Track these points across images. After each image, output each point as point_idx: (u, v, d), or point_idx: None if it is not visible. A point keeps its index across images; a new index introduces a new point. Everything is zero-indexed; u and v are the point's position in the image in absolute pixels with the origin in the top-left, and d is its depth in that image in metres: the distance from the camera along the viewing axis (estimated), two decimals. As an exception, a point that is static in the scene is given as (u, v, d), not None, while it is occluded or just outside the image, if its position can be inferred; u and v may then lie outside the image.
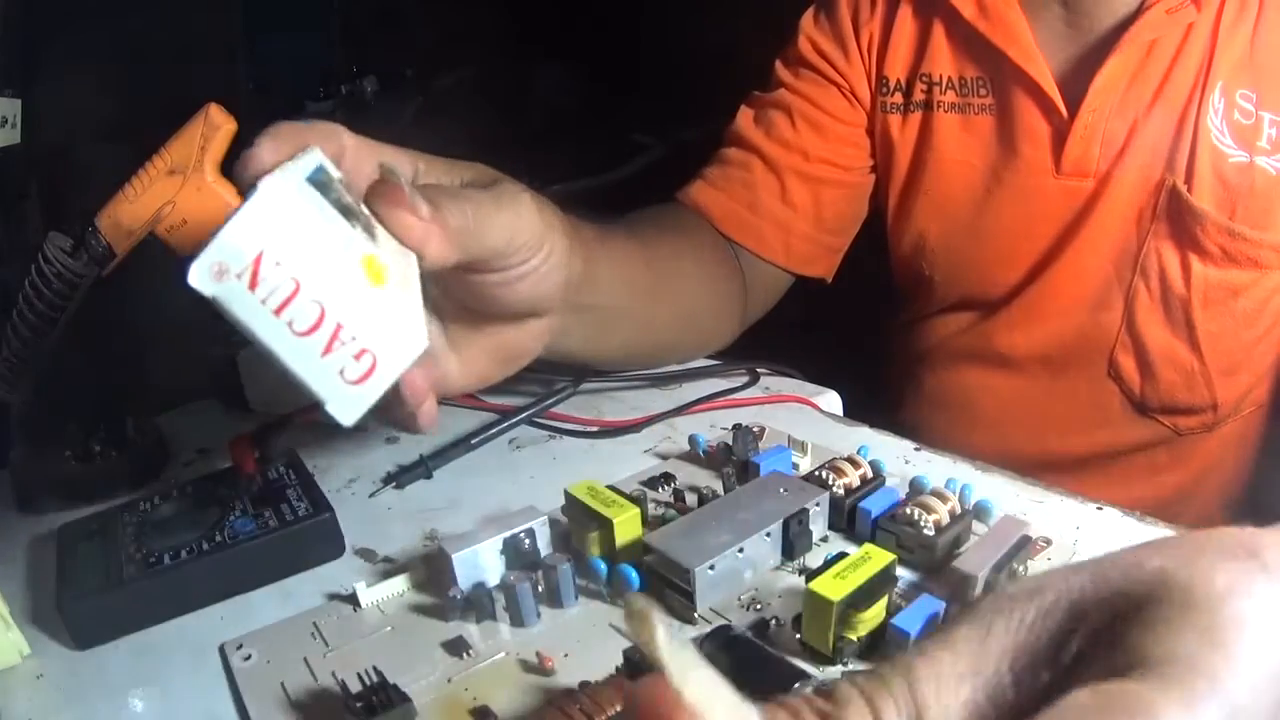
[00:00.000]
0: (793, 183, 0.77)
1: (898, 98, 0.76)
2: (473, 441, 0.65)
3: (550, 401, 0.68)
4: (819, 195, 0.78)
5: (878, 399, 0.88)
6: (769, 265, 0.79)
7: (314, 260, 0.25)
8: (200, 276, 0.25)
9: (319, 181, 0.32)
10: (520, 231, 0.43)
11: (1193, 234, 0.65)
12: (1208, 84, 0.63)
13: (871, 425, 0.64)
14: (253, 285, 0.25)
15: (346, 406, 0.27)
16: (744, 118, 0.80)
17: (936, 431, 0.82)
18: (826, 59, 0.77)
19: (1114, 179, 0.67)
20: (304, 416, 0.70)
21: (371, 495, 0.60)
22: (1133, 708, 0.16)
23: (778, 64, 0.80)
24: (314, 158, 0.36)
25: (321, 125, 0.41)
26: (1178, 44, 0.64)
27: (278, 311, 0.25)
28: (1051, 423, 0.77)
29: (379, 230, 0.35)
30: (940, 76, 0.73)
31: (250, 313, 0.25)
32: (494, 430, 0.66)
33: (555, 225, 0.46)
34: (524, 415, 0.67)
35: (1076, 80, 0.67)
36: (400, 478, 0.61)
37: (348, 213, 0.33)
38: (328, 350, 0.26)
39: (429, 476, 0.61)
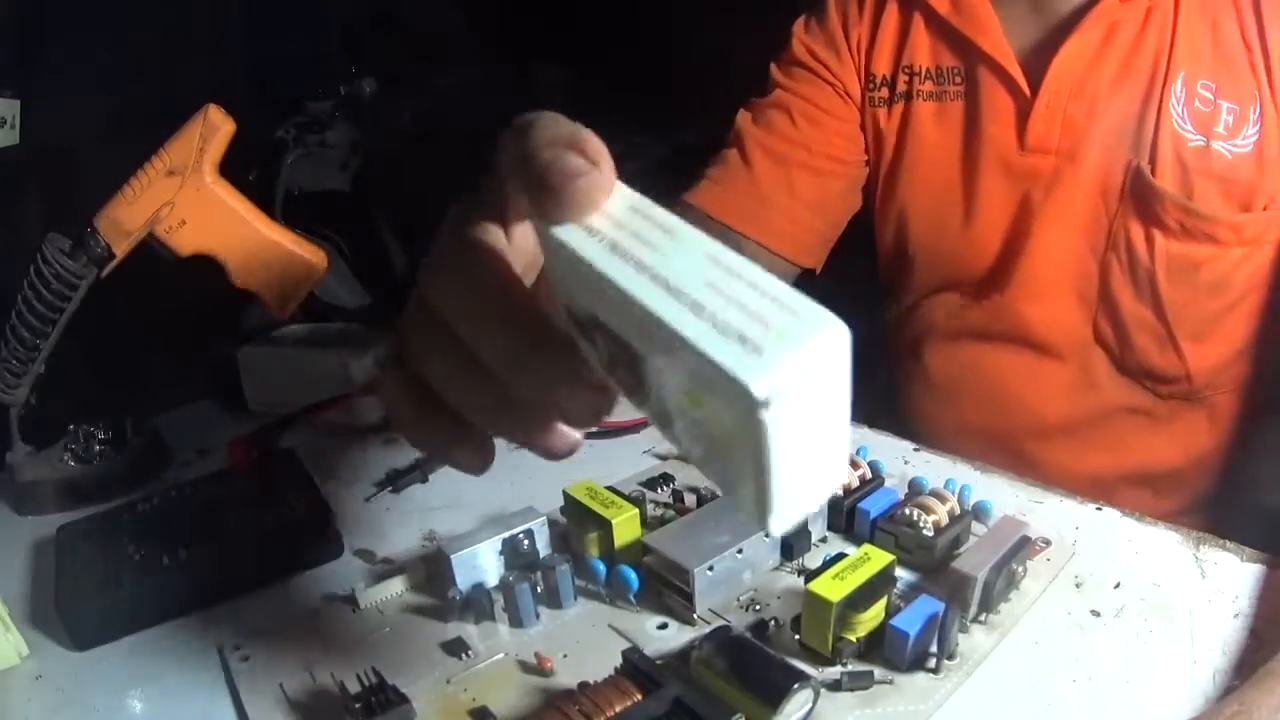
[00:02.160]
0: (798, 175, 0.80)
1: (884, 92, 0.79)
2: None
3: None
4: (824, 188, 0.81)
5: (877, 386, 0.89)
6: (776, 258, 0.81)
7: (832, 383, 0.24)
8: (769, 389, 0.23)
9: None
10: None
11: (1154, 211, 0.69)
12: (1170, 73, 0.67)
13: (872, 420, 0.64)
14: (794, 411, 0.24)
15: (790, 523, 0.26)
16: (743, 120, 0.83)
17: (932, 413, 0.85)
18: (820, 61, 0.80)
19: (1077, 156, 0.70)
20: (303, 418, 0.70)
21: (367, 500, 0.60)
22: None
23: (773, 68, 0.83)
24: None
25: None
26: (1137, 30, 0.68)
27: (802, 437, 0.24)
28: (1041, 391, 0.80)
29: None
30: (920, 68, 0.77)
31: (780, 440, 0.24)
32: (490, 432, 0.66)
33: None
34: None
35: (1040, 62, 0.71)
36: (396, 482, 0.61)
37: None
38: (817, 471, 0.25)
39: (424, 480, 0.61)
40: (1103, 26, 0.68)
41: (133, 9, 0.81)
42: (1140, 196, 0.69)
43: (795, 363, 0.23)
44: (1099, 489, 0.78)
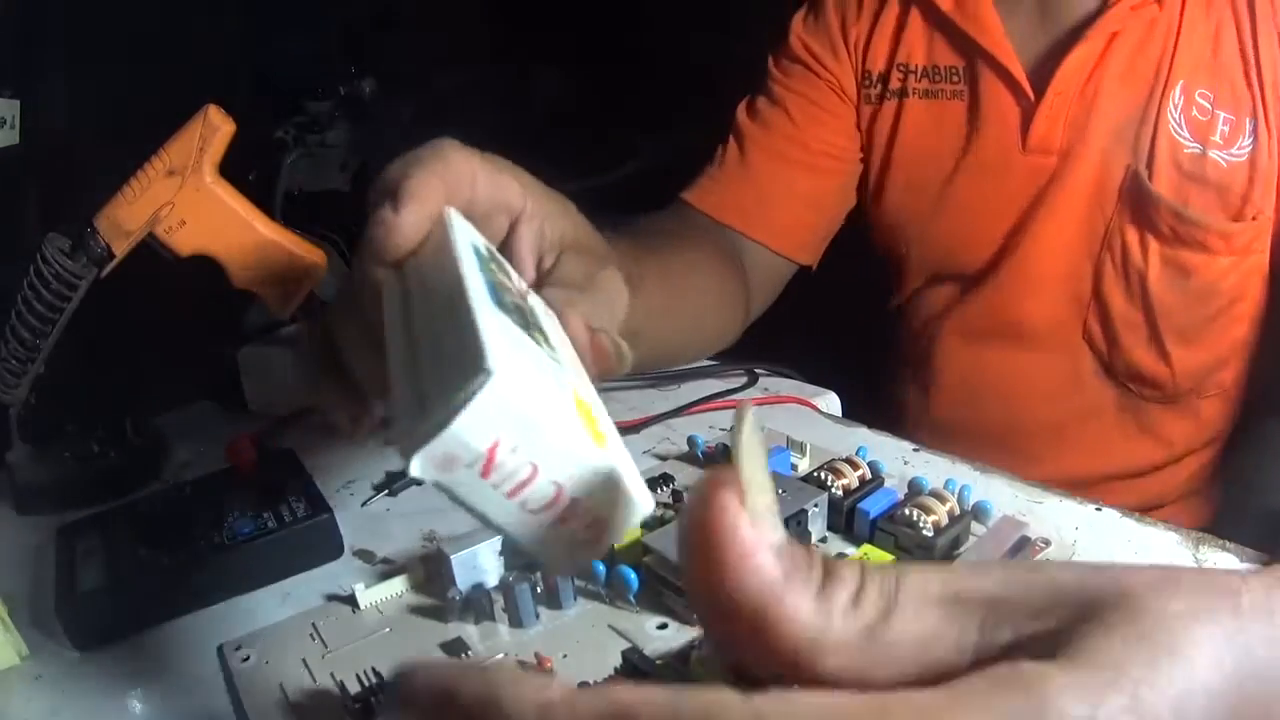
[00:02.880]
0: (795, 173, 0.80)
1: (879, 89, 0.80)
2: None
3: None
4: (820, 185, 0.82)
5: (874, 390, 0.89)
6: (774, 255, 0.81)
7: (549, 438, 0.23)
8: (425, 468, 0.23)
9: (495, 292, 0.28)
10: (623, 306, 0.42)
11: (1149, 215, 0.70)
12: (1170, 81, 0.68)
13: (870, 421, 0.64)
14: (485, 474, 0.23)
15: (576, 566, 0.26)
16: (742, 116, 0.83)
17: (919, 406, 0.86)
18: (816, 58, 0.81)
19: (1077, 157, 0.71)
20: (302, 418, 0.70)
21: (364, 505, 0.60)
22: (1028, 682, 0.16)
23: (770, 63, 0.84)
24: (464, 239, 0.31)
25: (453, 161, 0.36)
26: (1140, 38, 0.69)
27: (511, 494, 0.23)
28: (1030, 389, 0.80)
29: (543, 319, 0.32)
30: (915, 65, 0.78)
31: (479, 498, 0.23)
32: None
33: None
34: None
35: (1044, 67, 0.71)
36: (392, 485, 0.61)
37: (517, 310, 0.29)
38: (561, 523, 0.24)
39: (421, 483, 0.61)
40: (1107, 34, 0.69)
41: (132, 10, 0.81)
42: (1136, 200, 0.70)
43: (451, 435, 0.22)
44: (1079, 490, 0.79)
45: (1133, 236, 0.71)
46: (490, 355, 0.22)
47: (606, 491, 0.24)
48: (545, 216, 0.41)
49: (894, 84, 0.79)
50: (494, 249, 0.35)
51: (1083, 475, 0.79)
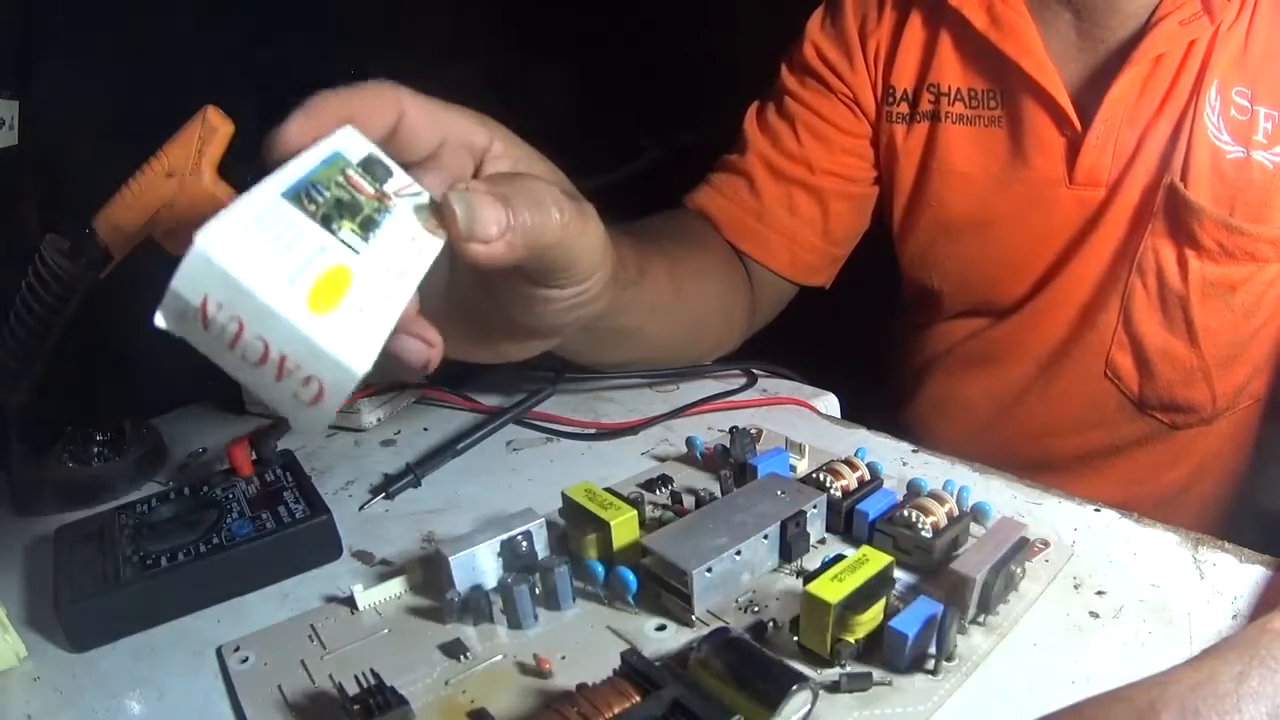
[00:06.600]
0: (799, 194, 0.77)
1: (903, 107, 0.75)
2: (458, 447, 0.64)
3: (531, 403, 0.69)
4: (825, 207, 0.78)
5: (877, 401, 0.88)
6: (774, 275, 0.79)
7: (252, 301, 0.28)
8: (164, 319, 0.28)
9: (312, 184, 0.32)
10: (597, 258, 0.42)
11: (1190, 230, 0.65)
12: (1203, 83, 0.63)
13: (870, 427, 0.64)
14: (205, 326, 0.28)
15: (308, 425, 0.30)
16: (750, 124, 0.80)
17: (936, 433, 0.83)
18: (831, 68, 0.76)
19: (1123, 186, 0.67)
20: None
21: (362, 506, 0.60)
22: None
23: (783, 68, 0.80)
24: (332, 145, 0.35)
25: (372, 91, 0.38)
26: (1184, 52, 0.64)
27: (230, 346, 0.28)
28: (1049, 424, 0.77)
29: (393, 219, 0.35)
30: (949, 87, 0.72)
31: (210, 348, 0.29)
32: (479, 435, 0.66)
33: (610, 258, 0.44)
34: (506, 417, 0.68)
35: (1089, 91, 0.67)
36: (389, 488, 0.60)
37: (343, 209, 0.33)
38: (279, 378, 0.29)
39: (418, 485, 0.61)
40: (1154, 56, 0.65)
41: (132, 10, 0.81)
42: (1174, 216, 0.65)
43: (170, 291, 0.28)
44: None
45: (1169, 257, 0.66)
46: (205, 227, 0.27)
47: (311, 352, 0.28)
48: (517, 160, 0.41)
49: (924, 106, 0.73)
50: (389, 162, 0.37)
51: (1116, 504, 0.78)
